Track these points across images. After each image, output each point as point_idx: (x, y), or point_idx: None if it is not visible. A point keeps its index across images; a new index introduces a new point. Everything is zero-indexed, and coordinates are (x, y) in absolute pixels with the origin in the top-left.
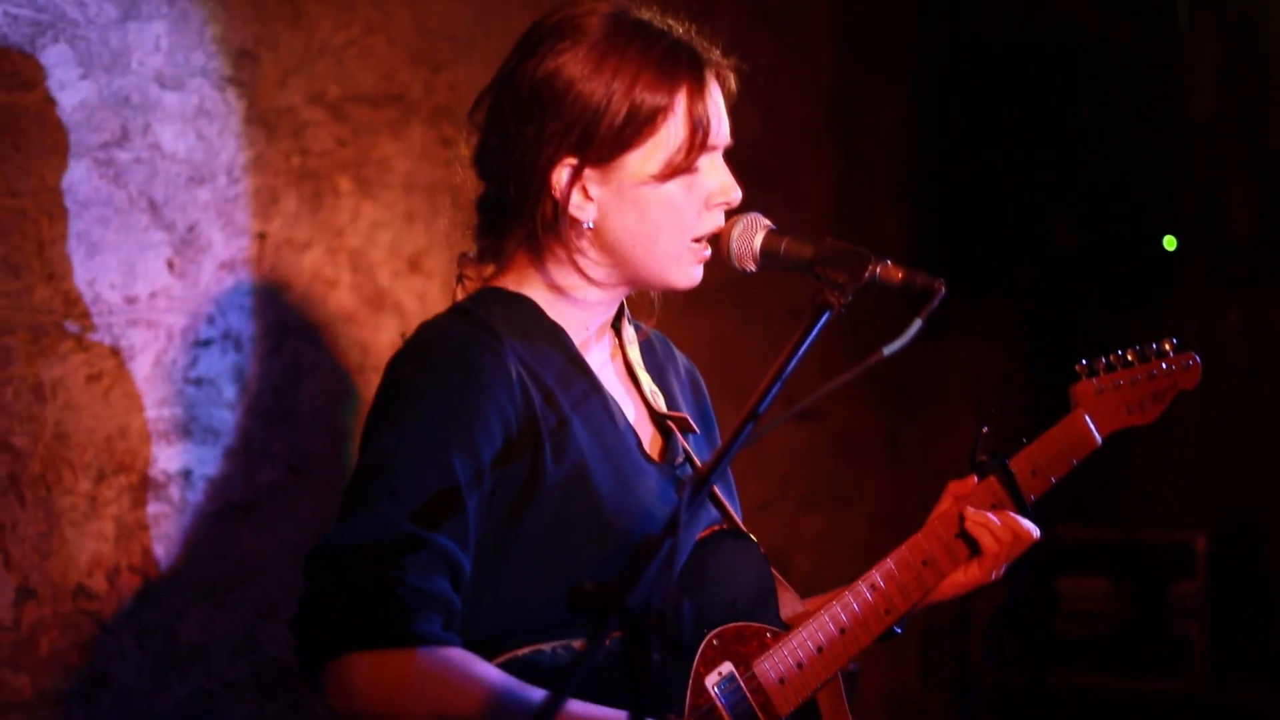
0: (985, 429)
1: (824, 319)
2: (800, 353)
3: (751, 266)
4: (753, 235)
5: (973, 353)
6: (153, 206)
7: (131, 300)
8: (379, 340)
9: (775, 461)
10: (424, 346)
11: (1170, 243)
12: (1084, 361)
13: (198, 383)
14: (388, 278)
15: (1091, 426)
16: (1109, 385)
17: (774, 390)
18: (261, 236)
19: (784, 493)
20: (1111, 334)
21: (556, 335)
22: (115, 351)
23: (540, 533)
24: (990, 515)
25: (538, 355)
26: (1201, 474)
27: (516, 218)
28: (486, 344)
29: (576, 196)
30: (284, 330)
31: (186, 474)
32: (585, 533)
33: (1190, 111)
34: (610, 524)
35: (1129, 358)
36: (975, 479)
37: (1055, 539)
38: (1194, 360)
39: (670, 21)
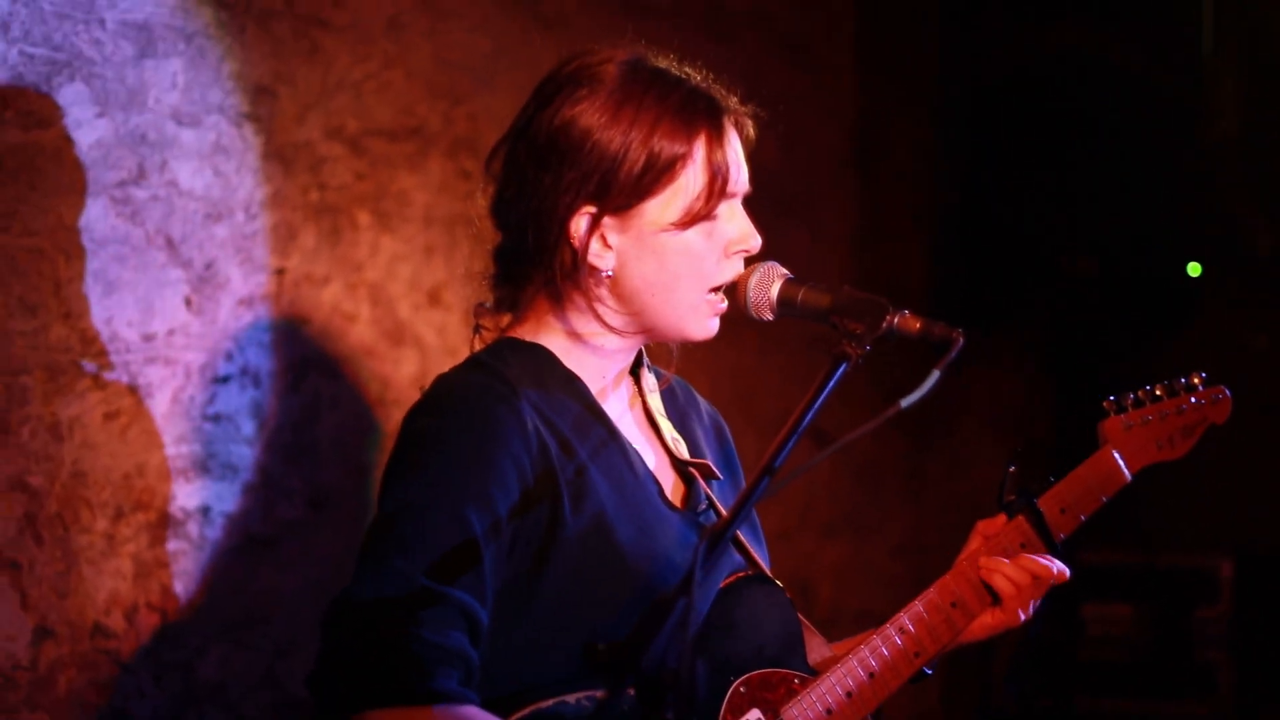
0: (1013, 468)
1: (841, 370)
2: (817, 405)
3: (769, 315)
4: (770, 284)
5: (996, 382)
6: (170, 244)
7: (149, 338)
8: (399, 374)
9: (797, 491)
10: (439, 399)
11: (1195, 269)
12: (1112, 398)
13: (216, 419)
14: (407, 311)
15: (1121, 463)
16: (1137, 421)
17: (791, 443)
18: (280, 272)
19: (805, 522)
20: (1136, 362)
21: (573, 384)
22: (133, 389)
23: (560, 584)
24: (1002, 560)
25: (554, 405)
26: (1228, 499)
27: (535, 266)
28: (501, 396)
29: (595, 245)
30: (303, 365)
31: (205, 510)
32: (606, 583)
33: (1212, 137)
34: (631, 573)
35: (1157, 393)
36: (1004, 518)
37: (1079, 564)
38: (1224, 394)
39: (687, 69)
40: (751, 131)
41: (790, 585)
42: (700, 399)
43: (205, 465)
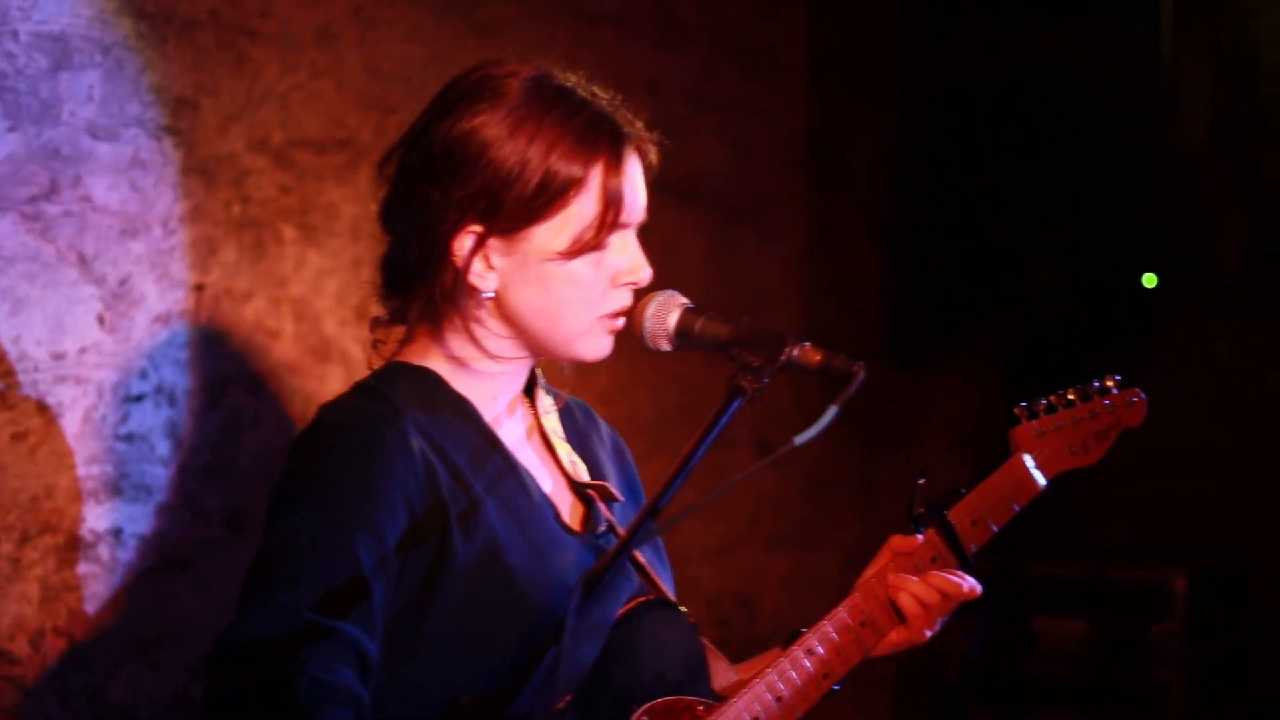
0: (921, 480)
1: (735, 405)
2: (708, 442)
3: (666, 346)
4: (667, 314)
5: (950, 392)
6: (82, 260)
7: (59, 356)
8: (325, 390)
9: (743, 502)
10: (324, 428)
11: (1150, 280)
12: (1024, 404)
13: (129, 439)
14: (334, 327)
15: (1033, 470)
16: (1050, 427)
17: (678, 482)
18: (199, 288)
19: (751, 535)
20: (1094, 372)
21: (463, 408)
22: (42, 409)
23: (453, 615)
24: (910, 578)
25: (445, 430)
26: (1183, 512)
27: (418, 281)
28: (389, 422)
29: (478, 265)
30: (223, 383)
31: (117, 532)
32: (501, 612)
33: (1177, 143)
34: (526, 601)
35: (1070, 397)
36: (913, 537)
37: (1030, 577)
38: (1138, 396)
39: (595, 89)
40: (654, 158)
41: (735, 599)
42: (600, 420)
43: (117, 486)
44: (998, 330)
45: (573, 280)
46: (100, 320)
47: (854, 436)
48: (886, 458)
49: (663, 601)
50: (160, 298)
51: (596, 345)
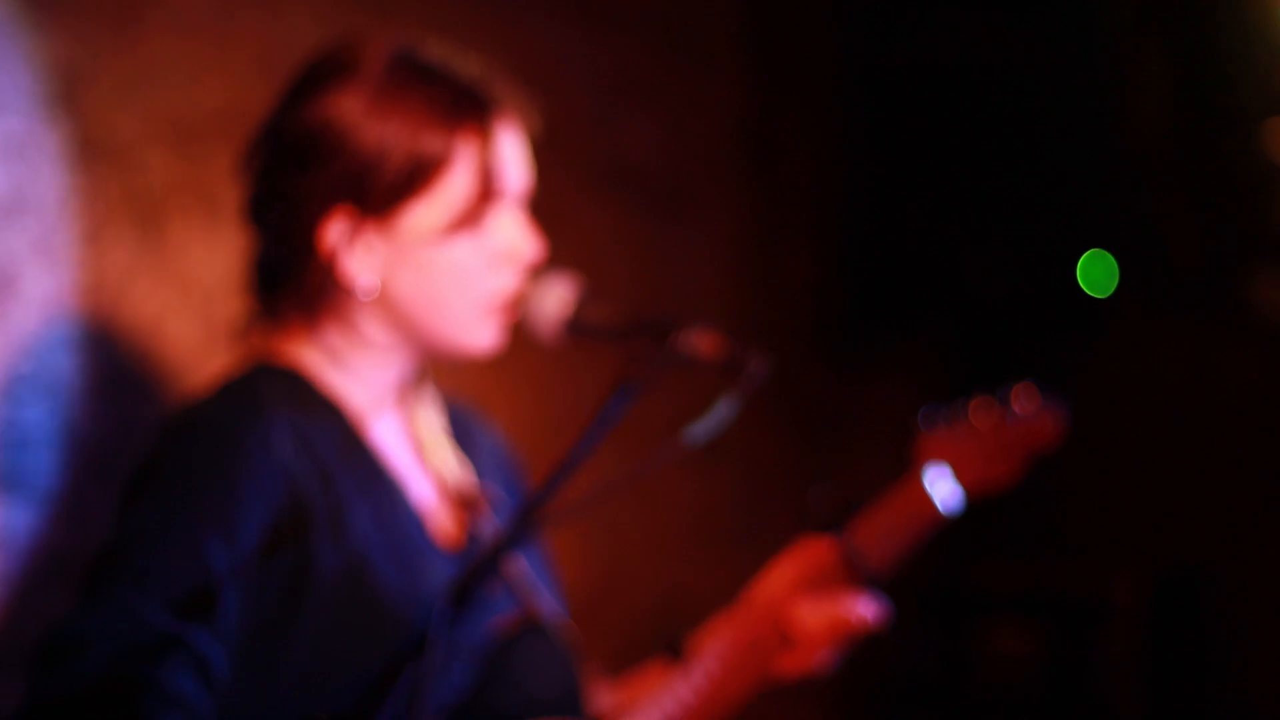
0: (815, 497)
1: (622, 399)
2: (591, 441)
3: (552, 338)
4: (551, 301)
5: (894, 390)
6: None
7: None
8: None
9: (678, 503)
10: (184, 425)
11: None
12: (925, 412)
13: (15, 435)
14: (234, 314)
15: (934, 486)
16: (956, 439)
17: (555, 484)
18: (89, 274)
19: (687, 536)
20: (1042, 371)
21: (332, 410)
22: None
23: (316, 630)
24: (805, 607)
25: (312, 433)
26: (1135, 517)
27: (285, 277)
28: (253, 421)
29: (349, 256)
30: (115, 377)
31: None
32: (366, 628)
33: (1130, 135)
34: (392, 617)
35: (980, 407)
36: (823, 544)
37: (973, 586)
38: (1054, 409)
39: (464, 59)
40: (537, 128)
41: (669, 603)
42: (486, 425)
43: (2, 485)
44: (941, 327)
45: (452, 264)
46: None
47: (792, 436)
48: (826, 458)
49: (534, 619)
50: (45, 286)
51: (483, 336)
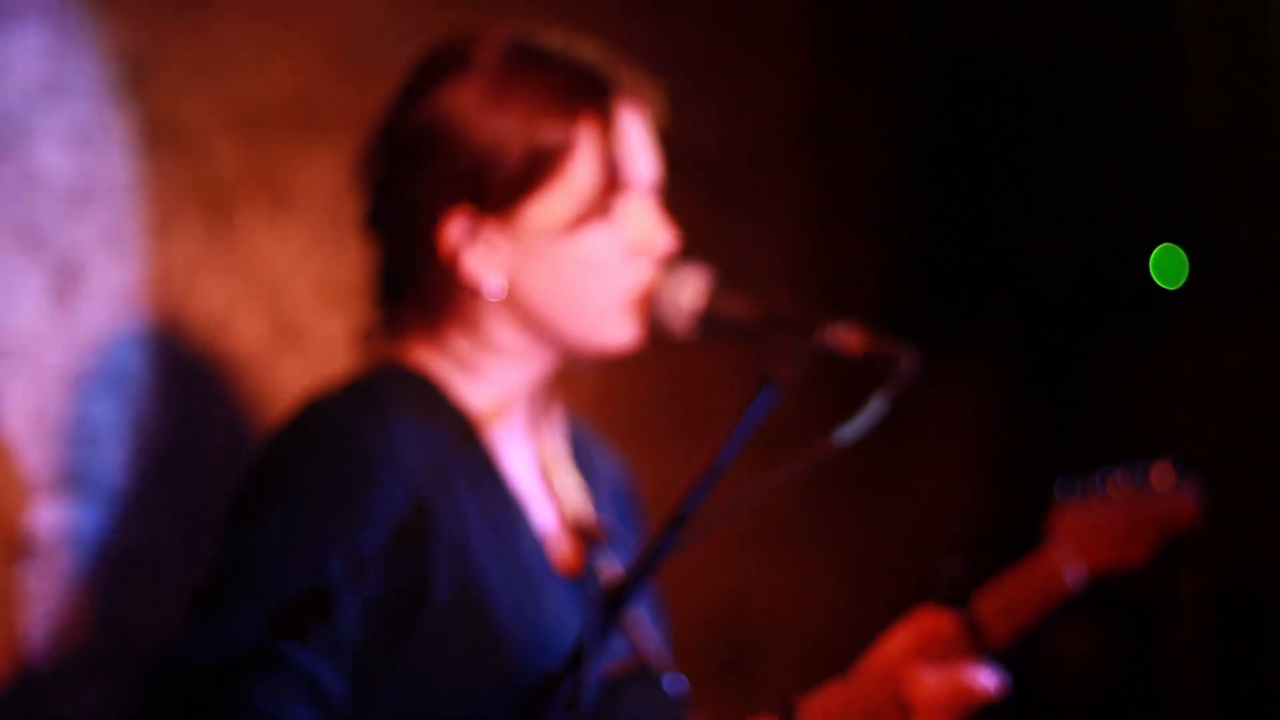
0: (947, 565)
1: (768, 396)
2: (738, 440)
3: (684, 331)
4: (684, 294)
5: (952, 386)
6: (27, 235)
7: (3, 338)
8: (295, 381)
9: (730, 497)
10: (305, 429)
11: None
12: (1061, 484)
13: (81, 430)
14: (304, 312)
15: (1067, 564)
16: (1091, 515)
17: (706, 486)
18: (157, 266)
19: (739, 534)
20: (1104, 364)
21: (460, 420)
22: None
23: (424, 658)
24: (925, 668)
25: (438, 441)
26: (1205, 515)
27: (408, 283)
28: (377, 426)
29: (474, 255)
30: (183, 371)
31: (67, 533)
32: (481, 648)
33: (1190, 129)
34: (509, 639)
35: (1116, 483)
36: (944, 614)
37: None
38: (1192, 491)
39: (583, 45)
40: (663, 115)
41: (727, 604)
42: (607, 449)
43: (67, 483)
44: (1005, 319)
45: (585, 259)
46: (49, 300)
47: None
48: (886, 453)
49: (646, 670)
50: (113, 277)
51: (622, 331)
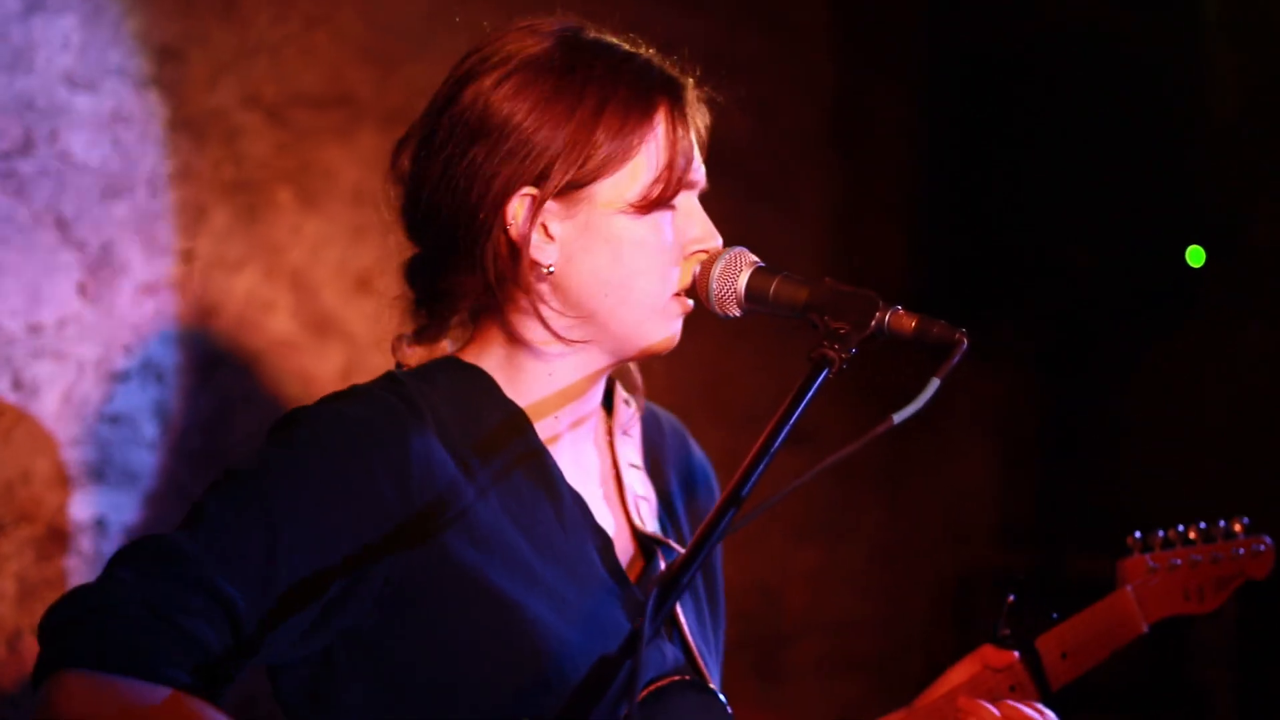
0: (1011, 599)
1: (822, 377)
2: (792, 421)
3: (735, 311)
4: (737, 274)
5: (980, 377)
6: (61, 223)
7: (36, 329)
8: (323, 369)
9: (762, 489)
10: (328, 404)
11: (1196, 257)
12: (1138, 534)
13: (114, 420)
14: (334, 299)
15: (1138, 610)
16: (1164, 565)
17: (762, 466)
18: (188, 255)
19: (774, 525)
20: (1130, 356)
21: (513, 419)
22: (18, 386)
23: (451, 642)
24: (984, 704)
25: (479, 442)
26: (1229, 502)
27: (465, 270)
28: (395, 421)
29: (536, 234)
30: (214, 360)
31: (100, 523)
32: (511, 649)
33: (1214, 119)
34: (544, 644)
35: (1190, 536)
36: (1009, 652)
37: (1069, 573)
38: (1266, 545)
39: (638, 41)
40: (707, 119)
41: (758, 592)
42: (694, 448)
43: (101, 472)
44: (1028, 309)
45: (644, 243)
46: (81, 289)
47: (878, 420)
48: (914, 445)
49: (699, 684)
50: (146, 265)
51: (668, 328)
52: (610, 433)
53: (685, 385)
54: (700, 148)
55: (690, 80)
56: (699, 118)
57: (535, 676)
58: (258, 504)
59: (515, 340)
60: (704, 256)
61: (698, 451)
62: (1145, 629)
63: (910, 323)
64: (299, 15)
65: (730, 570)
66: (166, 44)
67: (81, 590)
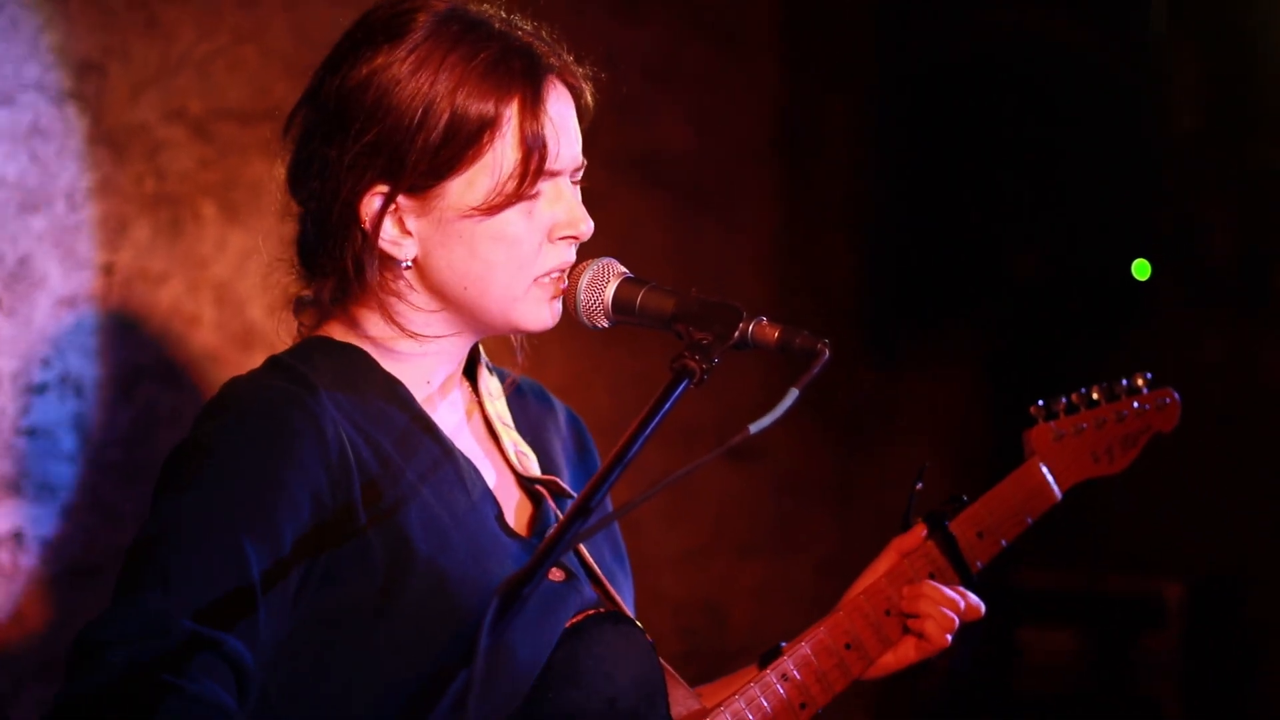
0: (919, 485)
1: (681, 388)
2: (648, 430)
3: (603, 322)
4: (604, 285)
5: (930, 387)
6: None
7: None
8: None
9: (706, 504)
10: (225, 406)
11: (1142, 270)
12: (1040, 402)
13: (30, 433)
14: (259, 313)
15: (1049, 478)
16: (1070, 429)
17: (613, 477)
18: (108, 269)
19: (718, 539)
20: (1081, 365)
21: (394, 391)
22: None
23: (371, 626)
24: (941, 590)
25: (372, 415)
26: (1176, 517)
27: (328, 255)
28: (301, 403)
29: (391, 230)
30: (136, 373)
31: (18, 536)
32: (429, 623)
33: (1167, 130)
34: (458, 611)
35: (1094, 396)
36: (921, 534)
37: (1016, 586)
38: (1172, 398)
39: (517, 22)
40: (589, 99)
41: (703, 609)
42: (557, 402)
43: (17, 485)
44: (978, 322)
45: (501, 236)
46: None
47: (827, 434)
48: (863, 457)
49: (616, 616)
50: (65, 279)
51: (538, 311)
52: (477, 391)
53: (626, 408)
54: (577, 128)
55: (561, 60)
56: (577, 100)
57: (463, 630)
58: (210, 528)
59: (382, 324)
60: (572, 240)
61: (562, 405)
62: (1059, 497)
63: (774, 333)
64: (225, 30)
65: (676, 586)
66: (86, 57)
67: (83, 687)
